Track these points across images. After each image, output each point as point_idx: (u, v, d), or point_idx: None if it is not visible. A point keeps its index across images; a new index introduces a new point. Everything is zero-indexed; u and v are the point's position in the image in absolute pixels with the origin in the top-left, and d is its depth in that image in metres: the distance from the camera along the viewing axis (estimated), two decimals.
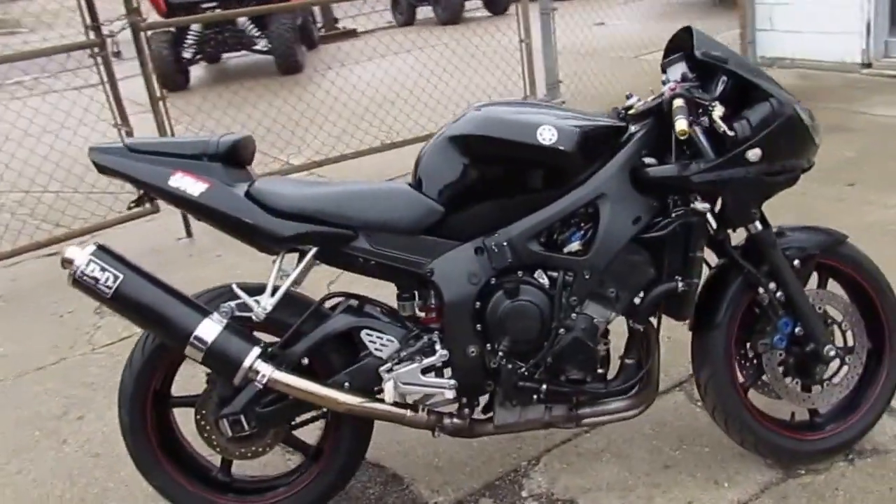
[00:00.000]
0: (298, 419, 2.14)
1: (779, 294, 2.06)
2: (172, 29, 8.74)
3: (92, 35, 4.10)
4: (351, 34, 11.92)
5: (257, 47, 9.31)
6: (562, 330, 1.96)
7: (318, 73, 8.73)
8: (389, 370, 2.00)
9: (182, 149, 1.98)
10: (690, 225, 1.94)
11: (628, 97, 2.12)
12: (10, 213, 5.12)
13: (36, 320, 3.63)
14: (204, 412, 2.06)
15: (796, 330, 2.08)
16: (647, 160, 1.96)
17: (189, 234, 4.79)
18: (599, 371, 2.03)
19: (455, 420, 2.06)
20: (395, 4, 12.92)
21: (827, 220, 2.32)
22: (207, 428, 2.06)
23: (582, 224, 1.96)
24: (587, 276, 1.94)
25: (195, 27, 9.01)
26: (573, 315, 1.96)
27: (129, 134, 4.30)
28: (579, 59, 6.26)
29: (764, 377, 2.13)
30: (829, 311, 2.16)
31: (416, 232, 1.98)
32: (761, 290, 2.05)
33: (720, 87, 1.97)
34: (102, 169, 1.98)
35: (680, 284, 1.96)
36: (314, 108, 5.78)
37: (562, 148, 1.89)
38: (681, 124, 1.76)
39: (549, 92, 5.45)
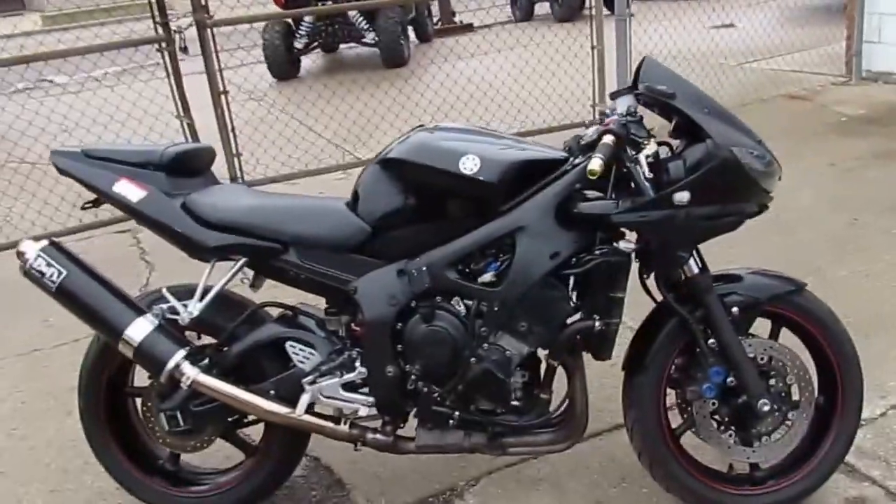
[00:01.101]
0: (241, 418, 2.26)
1: (712, 341, 1.96)
2: (287, 20, 9.18)
3: (160, 31, 4.40)
4: (467, 28, 11.97)
5: (365, 40, 9.56)
6: (473, 359, 1.96)
7: (421, 68, 8.91)
8: (312, 382, 2.08)
9: (131, 157, 2.11)
10: (612, 264, 1.89)
11: (586, 126, 2.07)
12: (77, 193, 5.56)
13: None
14: (149, 404, 2.21)
15: (728, 380, 1.97)
16: (591, 193, 1.92)
17: None
18: (515, 403, 2.01)
19: (378, 436, 2.11)
20: (513, 0, 12.85)
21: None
22: (151, 419, 2.22)
23: (500, 255, 1.94)
24: (497, 309, 1.93)
25: (307, 19, 9.37)
26: (485, 346, 1.96)
27: (191, 125, 4.61)
28: (676, 67, 5.98)
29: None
30: (777, 362, 2.03)
31: (345, 250, 2.04)
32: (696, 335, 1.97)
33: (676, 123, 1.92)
34: (61, 171, 2.15)
35: (597, 323, 1.91)
36: (399, 104, 5.90)
37: (482, 178, 1.89)
38: (593, 163, 1.71)
39: None
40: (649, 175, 1.78)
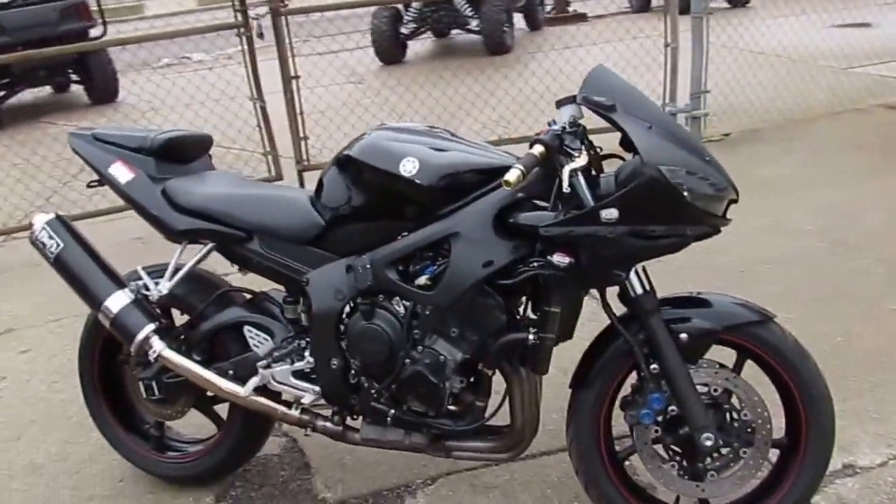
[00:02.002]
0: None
1: (654, 366, 1.88)
2: (397, 6, 9.34)
3: (239, 17, 4.59)
4: (579, 18, 11.74)
5: (470, 26, 9.58)
6: (408, 360, 1.96)
7: (523, 57, 8.85)
8: (266, 366, 2.15)
9: (129, 141, 2.25)
10: (546, 278, 1.83)
11: (550, 125, 2.00)
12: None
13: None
14: (133, 373, 2.36)
15: (670, 408, 1.88)
16: (541, 203, 1.88)
17: None
18: (451, 408, 2.00)
19: (328, 424, 2.16)
20: None
21: None
22: (134, 387, 2.37)
23: (438, 259, 1.93)
24: (429, 313, 1.92)
25: (415, 5, 9.50)
26: (420, 348, 1.96)
27: (263, 108, 4.80)
28: (769, 67, 5.68)
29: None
30: (731, 396, 1.92)
31: (302, 242, 2.09)
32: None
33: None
34: (74, 151, 2.32)
35: (531, 336, 1.87)
36: (489, 91, 5.87)
37: (418, 181, 1.88)
38: (510, 174, 1.66)
39: (691, 101, 5.05)
40: (566, 189, 1.71)
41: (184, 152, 2.28)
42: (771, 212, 4.04)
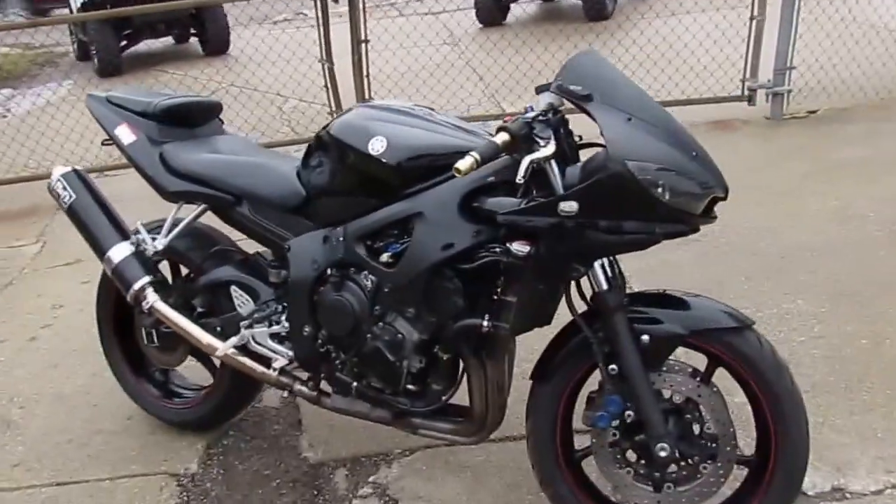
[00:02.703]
0: None
1: (613, 367, 1.80)
2: None
3: None
4: None
5: None
6: (368, 335, 1.97)
7: (623, 23, 8.51)
8: (248, 326, 2.22)
9: (135, 105, 2.34)
10: (504, 266, 1.79)
11: (526, 111, 1.94)
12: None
13: None
14: (139, 321, 2.49)
15: (626, 413, 1.81)
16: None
17: None
18: (410, 387, 2.00)
19: (304, 388, 2.20)
20: None
21: None
22: (139, 334, 2.49)
23: (404, 238, 1.91)
24: (387, 290, 1.91)
25: None
26: (380, 324, 1.96)
27: (331, 69, 4.87)
28: (867, 43, 5.20)
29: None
30: (694, 405, 1.82)
31: (286, 210, 2.12)
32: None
33: None
34: (90, 111, 2.44)
35: (485, 323, 1.83)
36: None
37: (385, 160, 1.87)
38: (461, 162, 1.62)
39: (774, 77, 4.71)
40: (520, 179, 1.65)
41: (187, 118, 2.34)
42: (837, 195, 3.78)
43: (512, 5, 9.75)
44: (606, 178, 1.61)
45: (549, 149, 1.67)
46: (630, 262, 1.91)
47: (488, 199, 1.80)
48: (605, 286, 1.77)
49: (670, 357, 1.83)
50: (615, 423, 1.82)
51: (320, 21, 4.93)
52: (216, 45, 9.70)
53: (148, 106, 2.31)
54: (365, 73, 5.16)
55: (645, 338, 1.77)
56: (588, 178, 1.64)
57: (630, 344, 1.77)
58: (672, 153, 1.64)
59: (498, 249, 1.78)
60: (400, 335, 1.94)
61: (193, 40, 10.24)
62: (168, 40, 10.73)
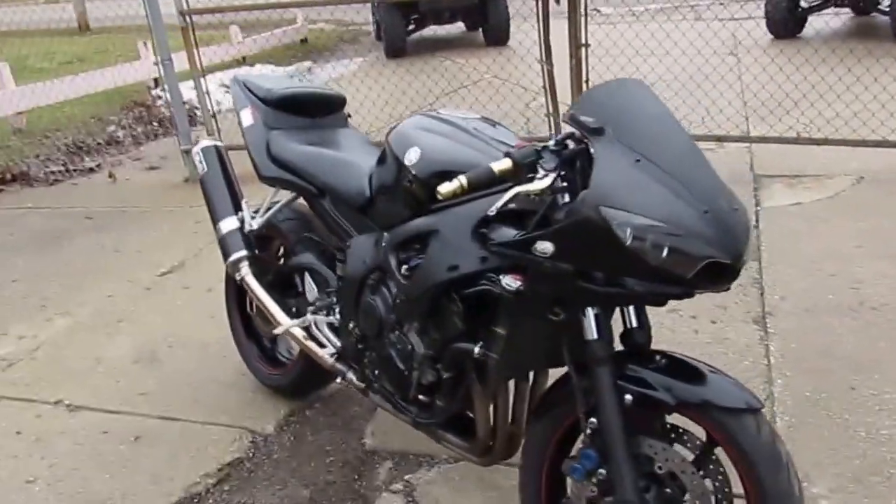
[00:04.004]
0: None
1: (593, 420, 1.68)
2: None
3: None
4: None
5: (881, 6, 8.29)
6: (386, 342, 2.03)
7: None
8: (314, 312, 2.39)
9: (259, 91, 2.58)
10: (495, 296, 1.75)
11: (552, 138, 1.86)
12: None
13: None
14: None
15: (599, 470, 1.68)
16: None
17: None
18: (421, 398, 2.02)
19: (353, 378, 2.33)
20: None
21: None
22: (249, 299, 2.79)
23: (424, 252, 1.93)
24: (400, 302, 1.95)
25: None
26: (396, 332, 2.01)
27: (550, 72, 4.92)
28: None
29: None
30: (677, 480, 1.65)
31: (355, 208, 2.24)
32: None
33: None
34: (230, 92, 2.74)
35: (477, 349, 1.81)
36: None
37: (415, 172, 1.90)
38: (444, 185, 1.61)
39: None
40: (492, 210, 1.60)
41: (302, 108, 2.53)
42: None
43: (811, 17, 8.72)
44: (577, 222, 1.51)
45: (542, 183, 1.59)
46: None
47: (499, 226, 1.76)
48: (593, 336, 1.65)
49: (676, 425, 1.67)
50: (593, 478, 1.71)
51: (540, 20, 4.94)
52: (496, 35, 10.06)
53: (268, 93, 2.53)
54: (584, 77, 5.09)
55: (628, 397, 1.63)
56: (565, 219, 1.55)
57: (611, 401, 1.63)
58: (671, 206, 1.47)
59: (493, 280, 1.74)
60: (410, 346, 1.98)
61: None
62: (460, 26, 11.22)
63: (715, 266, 1.47)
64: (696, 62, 5.63)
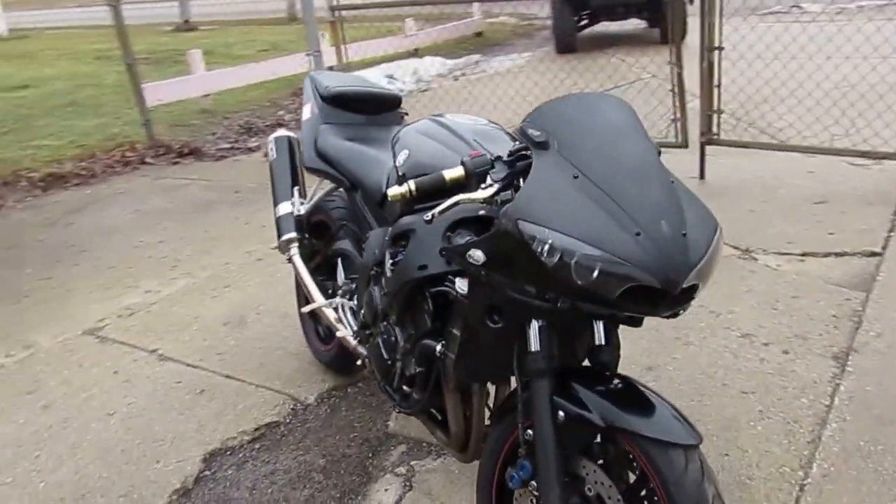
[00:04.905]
0: None
1: (529, 433, 1.70)
2: None
3: None
4: None
5: None
6: (378, 330, 2.15)
7: None
8: (341, 295, 2.56)
9: (319, 87, 2.77)
10: (449, 298, 1.81)
11: None
12: None
13: None
14: None
15: (531, 483, 1.70)
16: None
17: (702, 175, 5.00)
18: (406, 389, 2.11)
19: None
20: None
21: None
22: None
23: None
24: (381, 294, 2.05)
25: None
26: (384, 323, 2.12)
27: (679, 74, 4.77)
28: None
29: None
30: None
31: (375, 202, 2.38)
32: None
33: None
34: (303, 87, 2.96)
35: (438, 347, 1.88)
36: None
37: (401, 173, 2.00)
38: (393, 189, 1.70)
39: None
40: (427, 217, 1.65)
41: (353, 105, 2.68)
42: None
43: None
44: (498, 233, 1.53)
45: (484, 193, 1.62)
46: None
47: (462, 231, 1.82)
48: (533, 348, 1.66)
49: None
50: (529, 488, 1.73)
51: (670, 20, 4.79)
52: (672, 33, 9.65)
53: (325, 90, 2.72)
54: (716, 82, 4.87)
55: (561, 414, 1.63)
56: (492, 230, 1.58)
57: (544, 415, 1.64)
58: (598, 225, 1.45)
59: (452, 282, 1.81)
60: (393, 338, 2.08)
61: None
62: (637, 23, 10.96)
63: (648, 290, 1.44)
64: (861, 69, 5.16)
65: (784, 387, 2.76)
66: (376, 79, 9.09)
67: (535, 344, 1.66)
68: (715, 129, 4.99)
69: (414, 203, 1.95)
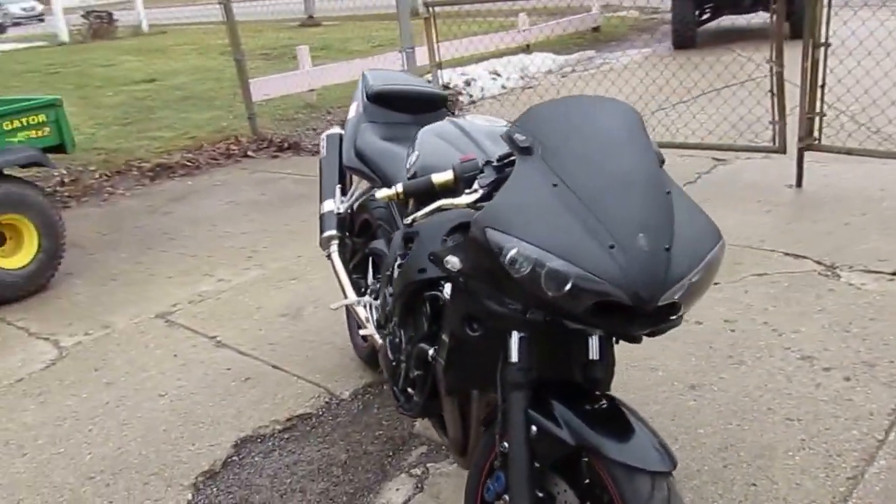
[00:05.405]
0: None
1: (504, 444, 1.67)
2: None
3: None
4: None
5: None
6: (387, 331, 2.17)
7: None
8: (370, 294, 2.60)
9: (365, 86, 2.80)
10: (437, 302, 1.81)
11: None
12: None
13: None
14: None
15: (506, 495, 1.66)
16: None
17: (799, 184, 4.72)
18: (409, 391, 2.13)
19: None
20: None
21: None
22: None
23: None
24: (388, 294, 2.07)
25: None
26: (391, 324, 2.13)
27: (780, 73, 4.54)
28: None
29: None
30: None
31: (402, 202, 2.39)
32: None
33: None
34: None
35: (431, 351, 1.88)
36: None
37: (411, 173, 2.00)
38: (382, 190, 1.72)
39: None
40: (406, 221, 1.65)
41: (398, 104, 2.70)
42: None
43: None
44: (469, 240, 1.52)
45: (467, 198, 1.62)
46: None
47: (457, 236, 1.81)
48: (513, 359, 1.63)
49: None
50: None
51: (773, 18, 4.54)
52: (801, 27, 9.09)
53: (369, 88, 2.75)
54: (820, 82, 4.56)
55: (534, 429, 1.60)
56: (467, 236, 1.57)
57: (518, 428, 1.61)
58: (570, 236, 1.41)
59: (442, 287, 1.80)
60: (398, 339, 2.10)
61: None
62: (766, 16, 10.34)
63: (621, 306, 1.38)
64: None
65: (835, 416, 2.57)
66: (479, 75, 9.12)
67: (514, 355, 1.62)
68: (816, 134, 4.68)
69: (420, 205, 1.96)
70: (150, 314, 3.80)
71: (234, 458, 2.64)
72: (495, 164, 1.63)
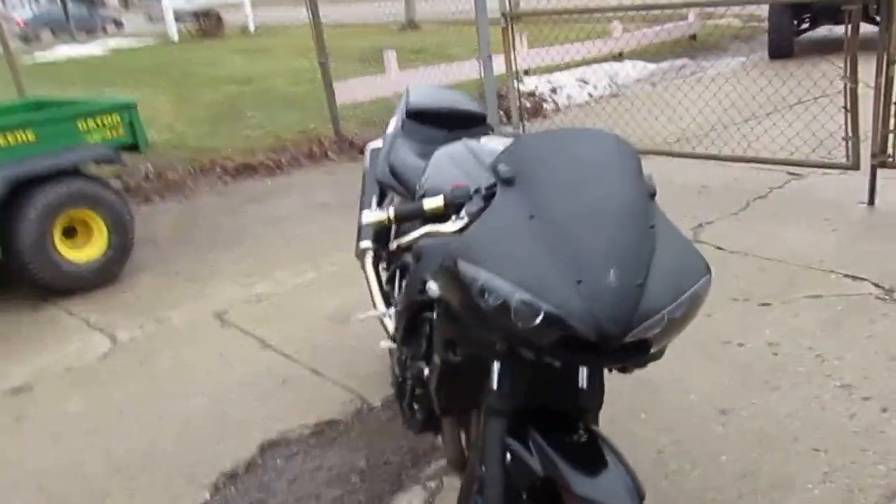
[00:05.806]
0: None
1: (483, 468, 1.61)
2: None
3: None
4: None
5: None
6: (397, 346, 2.13)
7: None
8: (397, 304, 2.56)
9: (404, 102, 2.78)
10: (427, 322, 1.76)
11: None
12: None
13: None
14: None
15: None
16: None
17: (871, 201, 4.41)
18: (414, 406, 2.08)
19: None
20: None
21: None
22: None
23: None
24: (396, 308, 2.03)
25: None
26: (398, 339, 2.09)
27: (853, 90, 4.30)
28: None
29: None
30: None
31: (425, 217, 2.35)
32: None
33: None
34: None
35: (426, 369, 1.83)
36: None
37: (421, 193, 1.96)
38: (369, 214, 1.70)
39: None
40: (393, 246, 1.60)
41: (435, 120, 2.66)
42: None
43: None
44: (441, 268, 1.49)
45: (452, 225, 1.59)
46: None
47: None
48: (493, 386, 1.58)
49: None
50: None
51: (848, 33, 4.25)
52: None
53: (408, 104, 2.73)
54: (894, 99, 4.26)
55: (508, 456, 1.55)
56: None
57: (493, 454, 1.57)
58: (538, 269, 1.37)
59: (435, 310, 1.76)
60: (404, 355, 2.06)
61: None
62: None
63: (587, 341, 1.34)
64: None
65: (864, 449, 2.38)
66: (566, 83, 8.98)
67: (494, 382, 1.58)
68: (890, 151, 4.37)
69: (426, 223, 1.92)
70: (206, 313, 3.90)
71: (258, 460, 2.66)
72: (483, 192, 1.58)
